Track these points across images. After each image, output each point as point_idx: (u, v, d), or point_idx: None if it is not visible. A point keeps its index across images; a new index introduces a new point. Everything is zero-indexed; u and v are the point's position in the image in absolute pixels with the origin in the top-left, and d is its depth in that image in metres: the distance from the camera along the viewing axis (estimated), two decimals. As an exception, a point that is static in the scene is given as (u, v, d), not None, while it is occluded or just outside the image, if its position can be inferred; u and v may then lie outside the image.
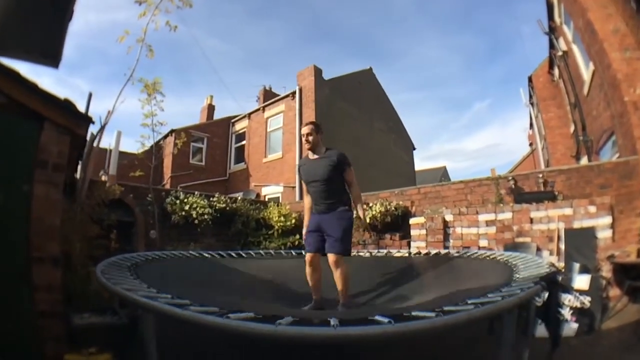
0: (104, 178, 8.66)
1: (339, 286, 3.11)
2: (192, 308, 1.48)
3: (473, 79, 74.76)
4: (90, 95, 4.33)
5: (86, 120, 2.69)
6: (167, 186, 12.63)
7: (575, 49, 7.64)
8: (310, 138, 3.31)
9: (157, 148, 7.08)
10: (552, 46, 9.24)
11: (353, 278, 3.25)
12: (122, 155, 8.82)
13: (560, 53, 8.51)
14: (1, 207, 2.30)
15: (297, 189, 12.15)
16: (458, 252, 4.78)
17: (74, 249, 3.30)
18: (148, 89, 4.57)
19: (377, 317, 1.48)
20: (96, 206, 3.89)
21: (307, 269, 3.26)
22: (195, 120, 16.75)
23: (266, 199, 12.39)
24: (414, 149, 18.04)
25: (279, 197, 12.54)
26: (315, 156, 3.33)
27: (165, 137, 13.04)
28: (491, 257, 3.99)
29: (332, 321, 1.39)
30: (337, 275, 3.11)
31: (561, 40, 8.55)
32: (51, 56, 1.99)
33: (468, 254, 4.50)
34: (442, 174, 23.34)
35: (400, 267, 3.96)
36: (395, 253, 4.84)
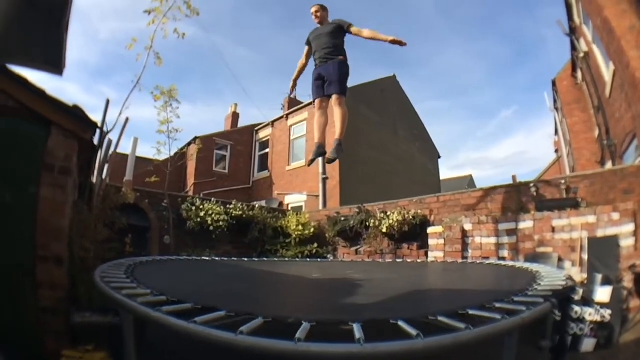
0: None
1: (338, 123, 3.95)
2: (165, 309, 1.54)
3: (498, 86, 73.20)
4: (107, 103, 4.56)
5: (92, 125, 2.88)
6: (190, 193, 13.04)
7: (595, 49, 7.38)
8: (319, 14, 4.29)
9: (181, 155, 7.32)
10: (573, 48, 8.95)
11: (361, 282, 3.28)
12: (147, 161, 9.21)
13: (581, 54, 8.22)
14: (9, 207, 2.49)
15: (321, 197, 12.23)
16: (474, 261, 4.72)
17: (86, 251, 3.49)
18: (157, 96, 4.76)
19: (354, 327, 1.43)
20: (108, 210, 4.09)
21: (316, 114, 4.15)
22: (222, 128, 17.25)
23: (289, 208, 12.55)
24: (439, 157, 17.93)
25: (302, 206, 12.66)
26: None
27: (189, 144, 13.50)
28: (507, 266, 3.93)
29: (300, 332, 1.36)
30: (337, 112, 3.95)
31: (582, 41, 8.28)
32: (54, 64, 2.16)
33: (485, 263, 4.44)
34: (468, 183, 22.82)
35: (412, 271, 3.94)
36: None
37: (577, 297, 3.83)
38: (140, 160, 9.84)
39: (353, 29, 4.08)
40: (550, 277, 2.85)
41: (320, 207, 11.42)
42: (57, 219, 2.69)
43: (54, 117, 2.66)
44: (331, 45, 4.11)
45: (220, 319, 1.57)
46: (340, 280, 3.50)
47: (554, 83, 10.82)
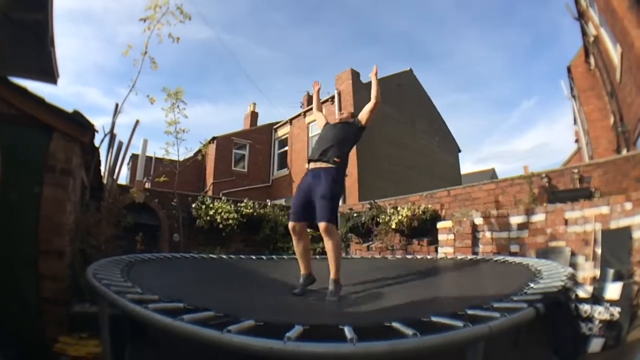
0: (147, 185, 9.56)
1: (330, 258, 3.06)
2: (129, 296, 1.76)
3: (518, 76, 71.37)
4: (117, 106, 4.91)
5: (91, 129, 3.16)
6: (210, 193, 13.48)
7: (603, 32, 7.17)
8: (344, 116, 3.57)
9: (194, 155, 7.62)
10: (583, 32, 8.68)
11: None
12: (169, 162, 9.65)
13: (591, 39, 7.98)
14: (14, 206, 2.80)
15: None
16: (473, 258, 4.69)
17: (92, 247, 3.82)
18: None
19: (295, 328, 1.44)
20: (115, 209, 4.41)
21: (293, 239, 3.26)
22: (242, 127, 17.67)
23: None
24: (459, 151, 17.73)
25: (322, 203, 12.81)
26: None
27: (208, 143, 13.95)
28: (510, 263, 3.92)
29: (234, 326, 1.42)
30: (328, 245, 3.07)
31: (590, 25, 8.03)
32: (49, 74, 2.43)
33: (487, 259, 4.44)
34: (490, 177, 22.24)
35: (405, 270, 3.97)
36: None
37: (586, 296, 3.83)
38: (158, 161, 10.34)
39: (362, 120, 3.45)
40: (550, 276, 2.76)
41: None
42: (58, 216, 2.99)
43: (55, 123, 2.95)
44: (335, 141, 3.31)
45: (178, 309, 1.73)
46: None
47: (569, 70, 10.48)
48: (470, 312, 1.73)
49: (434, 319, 1.64)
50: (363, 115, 3.42)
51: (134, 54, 4.37)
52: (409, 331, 1.41)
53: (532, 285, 2.47)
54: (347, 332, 1.41)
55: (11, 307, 2.65)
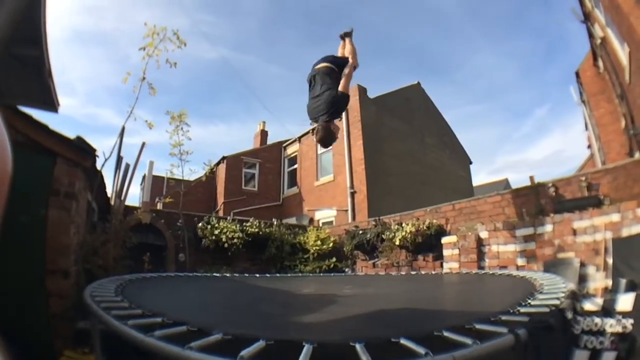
0: (159, 205, 9.83)
1: None
2: (114, 312, 1.90)
3: (530, 84, 71.23)
4: (122, 129, 5.18)
5: (92, 154, 3.39)
6: (221, 212, 13.70)
7: (610, 32, 7.12)
8: None
9: (210, 175, 7.84)
10: (590, 35, 8.64)
11: (330, 298, 3.41)
12: (170, 182, 9.94)
13: (598, 41, 7.92)
14: (23, 228, 3.02)
15: (349, 211, 12.48)
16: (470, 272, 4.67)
17: (98, 268, 4.01)
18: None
19: (255, 344, 1.49)
20: (121, 231, 4.62)
21: None
22: (252, 146, 17.99)
23: (320, 223, 12.87)
24: (471, 163, 17.73)
25: (332, 221, 12.92)
26: None
27: (218, 164, 14.25)
28: (511, 277, 3.92)
29: (196, 342, 1.48)
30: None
31: (597, 27, 7.98)
32: (50, 104, 2.66)
33: (487, 273, 4.45)
34: (504, 187, 21.92)
35: (398, 285, 4.02)
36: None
37: (597, 309, 3.80)
38: (170, 181, 10.65)
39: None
40: (548, 293, 2.65)
41: (349, 221, 11.67)
42: (63, 237, 3.20)
43: (59, 149, 3.19)
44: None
45: (156, 324, 1.84)
46: (309, 296, 3.69)
47: (577, 75, 10.40)
48: (446, 334, 1.67)
49: (402, 341, 1.59)
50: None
51: (135, 81, 4.68)
52: (364, 358, 1.41)
53: (518, 307, 2.26)
54: (305, 351, 1.44)
55: (25, 322, 2.84)
